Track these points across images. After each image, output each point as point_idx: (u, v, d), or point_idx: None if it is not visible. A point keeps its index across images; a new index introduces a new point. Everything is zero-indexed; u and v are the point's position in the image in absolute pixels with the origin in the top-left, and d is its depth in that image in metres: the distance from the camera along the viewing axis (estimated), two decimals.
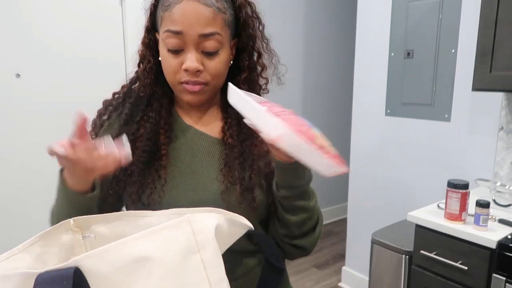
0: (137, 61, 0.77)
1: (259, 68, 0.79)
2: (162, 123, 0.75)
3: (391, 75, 2.18)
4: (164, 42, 0.69)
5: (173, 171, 0.73)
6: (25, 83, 1.95)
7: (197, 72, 0.69)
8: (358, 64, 2.37)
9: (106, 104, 0.79)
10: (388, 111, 2.23)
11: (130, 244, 0.40)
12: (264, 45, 0.79)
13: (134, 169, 0.72)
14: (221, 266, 0.42)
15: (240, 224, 0.52)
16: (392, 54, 2.16)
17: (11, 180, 1.95)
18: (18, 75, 1.93)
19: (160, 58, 0.73)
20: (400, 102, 2.16)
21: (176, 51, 0.68)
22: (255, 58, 0.78)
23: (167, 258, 0.40)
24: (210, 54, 0.69)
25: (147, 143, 0.73)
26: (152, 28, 0.75)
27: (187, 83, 0.70)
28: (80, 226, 0.54)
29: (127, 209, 0.75)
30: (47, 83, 2.01)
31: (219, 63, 0.70)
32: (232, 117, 0.76)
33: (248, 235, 0.57)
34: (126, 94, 0.78)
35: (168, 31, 0.67)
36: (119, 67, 2.21)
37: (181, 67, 0.69)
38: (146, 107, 0.76)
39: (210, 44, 0.68)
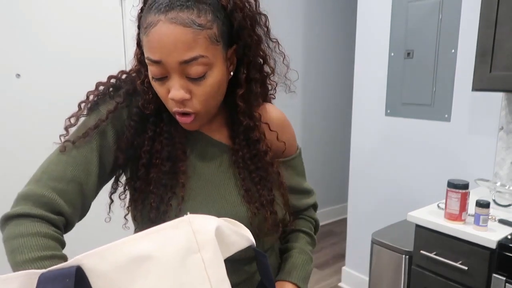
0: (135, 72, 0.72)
1: (264, 74, 0.74)
2: (177, 136, 0.71)
3: (391, 75, 2.18)
4: (149, 68, 0.63)
5: (191, 186, 0.70)
6: (25, 83, 1.95)
7: (184, 101, 0.63)
8: (358, 64, 2.37)
9: (107, 85, 0.71)
10: (388, 111, 2.23)
11: (130, 244, 0.40)
12: (272, 45, 0.72)
13: (153, 190, 0.68)
14: (222, 266, 0.42)
15: (242, 235, 0.51)
16: (392, 54, 2.16)
17: (11, 180, 1.95)
18: (18, 75, 1.93)
19: None
20: (400, 102, 2.16)
21: (161, 79, 0.62)
22: (259, 61, 0.71)
23: (166, 257, 0.40)
24: (196, 80, 0.61)
25: (167, 163, 0.69)
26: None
27: (178, 113, 0.65)
28: None
29: (135, 221, 0.72)
30: (47, 83, 2.01)
31: (208, 87, 0.63)
32: (237, 124, 0.73)
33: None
34: (128, 93, 0.71)
35: (147, 58, 0.61)
36: (119, 67, 2.20)
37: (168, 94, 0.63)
38: (155, 118, 0.70)
39: (193, 70, 0.60)
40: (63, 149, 0.64)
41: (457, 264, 1.38)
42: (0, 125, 1.91)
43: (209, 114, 0.68)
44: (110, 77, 0.72)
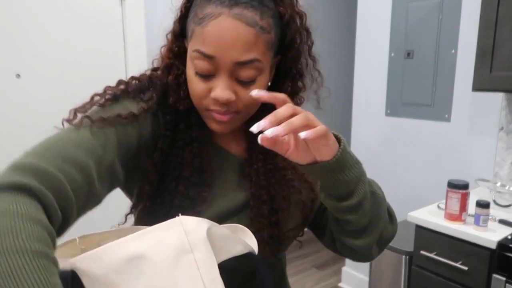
0: (162, 65, 0.65)
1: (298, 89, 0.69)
2: (206, 146, 0.65)
3: (391, 75, 2.18)
4: (193, 62, 0.57)
5: (209, 200, 0.64)
6: (25, 83, 1.95)
7: (229, 102, 0.58)
8: (358, 64, 2.37)
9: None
10: (388, 111, 2.22)
11: (123, 245, 0.40)
12: (311, 63, 0.69)
13: (178, 204, 0.61)
14: (214, 266, 0.42)
15: (237, 240, 0.49)
16: (392, 54, 2.16)
17: None
18: (18, 75, 1.93)
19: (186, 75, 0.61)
20: (400, 102, 2.15)
21: (206, 76, 0.57)
22: (298, 75, 0.68)
23: (159, 257, 0.40)
24: (245, 83, 0.57)
25: (197, 175, 0.63)
26: (180, 34, 0.62)
27: (217, 112, 0.59)
28: (87, 245, 0.47)
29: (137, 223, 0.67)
30: (47, 83, 2.01)
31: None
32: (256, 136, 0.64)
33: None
34: (155, 100, 0.62)
35: (198, 51, 0.55)
36: (119, 67, 2.21)
37: (209, 93, 0.57)
38: (184, 124, 0.63)
39: (246, 73, 0.56)
40: (78, 126, 0.54)
41: (457, 264, 1.37)
42: (0, 125, 1.91)
43: (244, 119, 0.63)
44: (131, 77, 0.66)
